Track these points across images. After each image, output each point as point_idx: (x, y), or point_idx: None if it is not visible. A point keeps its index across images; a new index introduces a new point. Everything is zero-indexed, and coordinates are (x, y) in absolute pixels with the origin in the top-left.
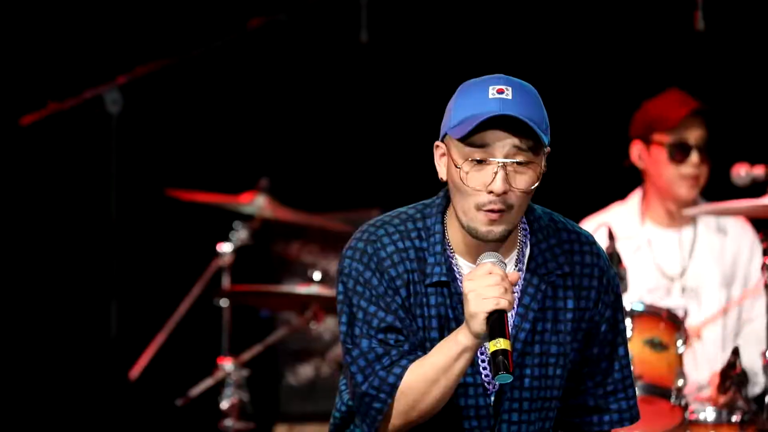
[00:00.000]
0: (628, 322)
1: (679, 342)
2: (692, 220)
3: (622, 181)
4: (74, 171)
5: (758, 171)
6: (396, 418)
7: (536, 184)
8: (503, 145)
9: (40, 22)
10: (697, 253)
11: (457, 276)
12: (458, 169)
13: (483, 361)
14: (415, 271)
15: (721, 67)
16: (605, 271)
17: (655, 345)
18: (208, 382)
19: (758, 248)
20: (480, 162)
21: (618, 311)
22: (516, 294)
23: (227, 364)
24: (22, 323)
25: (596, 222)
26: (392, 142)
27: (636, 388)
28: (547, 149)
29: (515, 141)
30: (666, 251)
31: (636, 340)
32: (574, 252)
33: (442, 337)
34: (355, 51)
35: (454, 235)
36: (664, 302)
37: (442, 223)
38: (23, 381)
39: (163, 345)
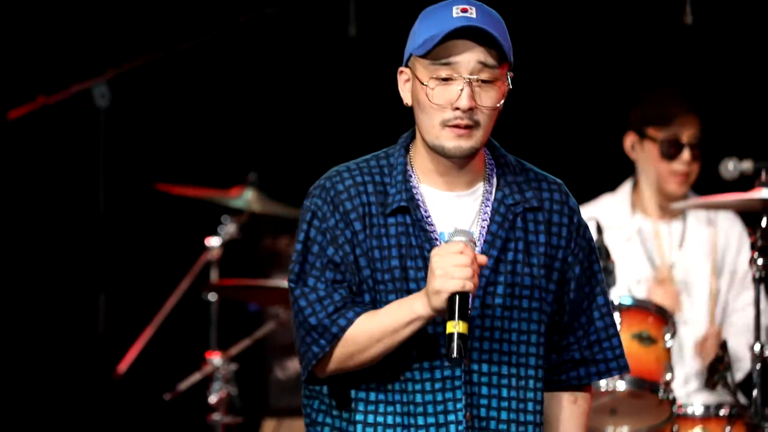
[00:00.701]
0: (616, 316)
1: (668, 336)
2: (682, 211)
3: (612, 173)
4: (62, 165)
5: (746, 165)
6: (332, 364)
7: (502, 102)
8: (468, 61)
9: (28, 16)
10: (686, 245)
11: (420, 204)
12: (424, 87)
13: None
14: (372, 204)
15: (709, 61)
16: (575, 211)
17: (644, 339)
18: (196, 377)
19: (746, 241)
20: (446, 80)
21: (594, 263)
22: (484, 222)
23: (215, 359)
24: (9, 317)
25: (587, 213)
26: (380, 136)
27: (624, 382)
28: (511, 73)
29: (480, 56)
30: (656, 243)
31: (624, 333)
32: (542, 189)
33: (402, 266)
34: (343, 45)
35: (420, 164)
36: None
37: (406, 155)
38: (9, 375)
39: (151, 339)
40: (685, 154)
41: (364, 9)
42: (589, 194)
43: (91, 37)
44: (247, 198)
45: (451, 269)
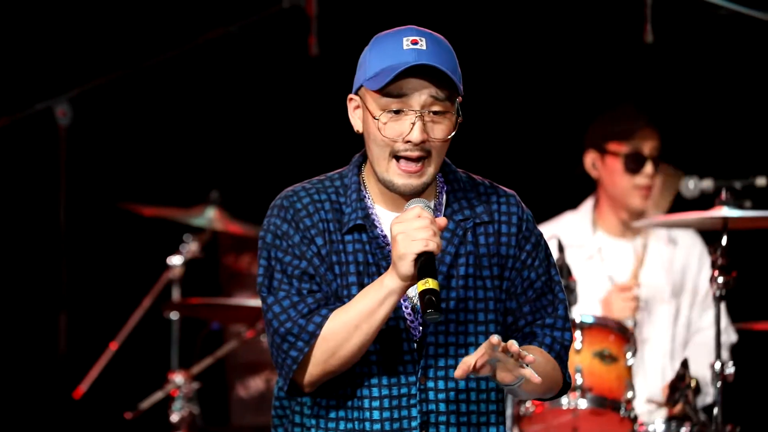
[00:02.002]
0: (578, 334)
1: (629, 354)
2: (643, 230)
3: (574, 190)
4: (24, 183)
5: (707, 183)
6: (314, 367)
7: (453, 133)
8: (420, 94)
9: None
10: (647, 264)
11: (375, 223)
12: (376, 120)
13: (406, 307)
14: (330, 221)
15: (670, 80)
16: (524, 219)
17: (605, 357)
18: (158, 395)
19: (707, 259)
20: (397, 112)
21: (551, 267)
22: None
23: (177, 377)
24: None
25: (549, 231)
26: (341, 154)
27: (585, 400)
28: (459, 98)
29: (432, 91)
30: (617, 261)
31: (586, 352)
32: (492, 202)
33: (360, 282)
34: (305, 64)
35: (372, 186)
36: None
37: (359, 175)
38: None
39: (113, 358)
40: (648, 167)
41: (325, 28)
42: (552, 211)
43: (53, 56)
44: (208, 216)
45: (412, 232)
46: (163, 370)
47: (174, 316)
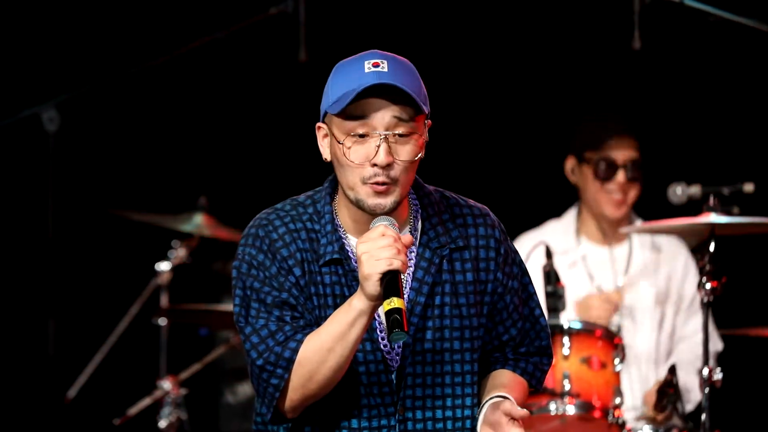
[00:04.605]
0: (565, 340)
1: (617, 360)
2: (627, 236)
3: (558, 197)
4: (11, 189)
5: (694, 189)
6: (294, 392)
7: (420, 155)
8: (383, 116)
9: None
10: (632, 271)
11: (350, 255)
12: (341, 145)
13: (383, 338)
14: (308, 250)
15: (657, 86)
16: (502, 241)
17: (593, 363)
18: (146, 401)
19: (692, 266)
20: (362, 136)
21: (528, 285)
22: (410, 268)
23: (166, 383)
24: None
25: (533, 239)
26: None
27: (573, 406)
28: (429, 122)
29: (394, 111)
30: (601, 268)
31: (573, 358)
32: (468, 225)
33: None
34: (293, 70)
35: (344, 215)
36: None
37: (331, 204)
38: None
39: (101, 364)
40: (620, 176)
41: (314, 34)
42: (535, 219)
43: (40, 62)
44: (196, 222)
45: (376, 251)
46: (151, 376)
47: (162, 322)
